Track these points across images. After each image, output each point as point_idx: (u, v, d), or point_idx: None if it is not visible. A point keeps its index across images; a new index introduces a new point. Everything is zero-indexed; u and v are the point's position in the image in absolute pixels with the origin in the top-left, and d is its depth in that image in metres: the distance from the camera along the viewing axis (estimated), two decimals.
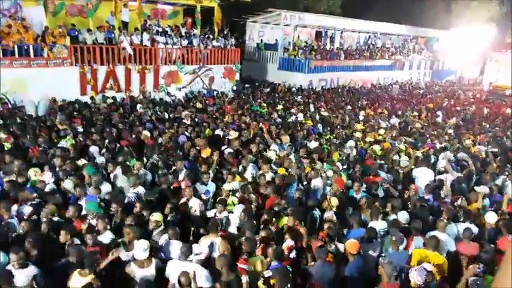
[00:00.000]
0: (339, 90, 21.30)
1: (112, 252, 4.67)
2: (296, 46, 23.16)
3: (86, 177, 6.74)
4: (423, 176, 8.14)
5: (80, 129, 9.62)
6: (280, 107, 14.34)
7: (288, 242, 5.15)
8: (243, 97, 16.43)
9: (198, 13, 17.49)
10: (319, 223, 6.22)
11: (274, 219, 5.96)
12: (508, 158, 10.10)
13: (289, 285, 4.30)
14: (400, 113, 15.46)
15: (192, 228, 5.76)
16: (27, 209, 5.60)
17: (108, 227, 5.31)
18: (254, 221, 5.65)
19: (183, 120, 11.23)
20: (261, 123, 11.25)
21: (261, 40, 24.43)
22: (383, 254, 5.53)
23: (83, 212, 5.72)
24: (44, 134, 8.86)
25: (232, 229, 5.93)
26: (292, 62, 22.11)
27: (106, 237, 5.17)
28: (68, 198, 6.23)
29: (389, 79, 26.82)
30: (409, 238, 5.63)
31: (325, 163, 8.43)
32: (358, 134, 10.89)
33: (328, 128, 11.97)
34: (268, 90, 18.73)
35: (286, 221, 5.78)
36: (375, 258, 5.51)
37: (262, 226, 5.68)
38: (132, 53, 14.61)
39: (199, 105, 13.94)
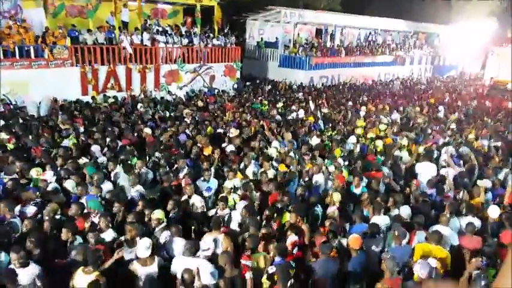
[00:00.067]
0: (340, 87, 21.28)
1: (117, 252, 4.69)
2: (296, 43, 23.14)
3: (87, 177, 6.76)
4: (426, 171, 8.13)
5: (82, 129, 9.64)
6: (280, 104, 14.33)
7: (292, 238, 5.16)
8: (244, 95, 16.43)
9: (198, 12, 17.50)
10: (322, 219, 6.23)
11: (276, 215, 5.97)
12: (511, 151, 10.08)
13: (292, 281, 4.31)
14: (401, 108, 15.43)
15: (193, 227, 5.79)
16: (31, 209, 5.63)
17: (110, 225, 5.34)
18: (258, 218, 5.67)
19: (185, 119, 11.25)
20: (261, 121, 11.26)
21: (261, 38, 24.41)
22: (386, 249, 5.54)
23: (86, 211, 5.73)
24: (46, 134, 8.89)
25: (234, 226, 5.94)
26: (293, 59, 22.08)
27: (108, 235, 5.19)
28: (70, 197, 6.25)
29: (390, 75, 26.76)
30: (411, 233, 5.64)
31: (326, 159, 8.44)
32: (359, 130, 10.88)
33: (330, 125, 11.97)
34: (269, 87, 18.72)
35: (288, 217, 5.79)
36: (378, 253, 5.52)
37: (263, 223, 5.69)
38: (132, 53, 14.62)
39: (200, 103, 13.95)
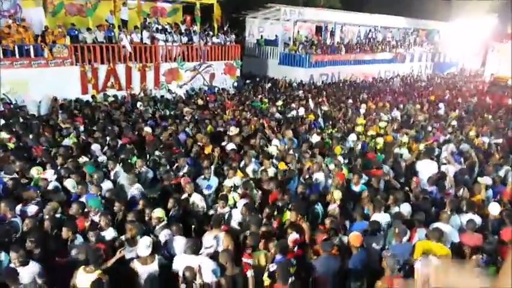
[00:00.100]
0: (340, 85, 21.26)
1: (119, 251, 4.70)
2: (296, 41, 23.10)
3: (86, 175, 6.77)
4: (427, 169, 8.10)
5: (82, 128, 9.64)
6: (280, 102, 14.32)
7: (293, 236, 5.17)
8: (244, 93, 16.42)
9: (197, 10, 17.46)
10: (322, 217, 6.23)
11: (276, 214, 5.98)
12: (511, 148, 10.08)
13: (292, 279, 4.32)
14: (401, 106, 15.42)
15: (193, 226, 5.80)
16: (32, 208, 5.64)
17: (111, 223, 5.35)
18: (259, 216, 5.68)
19: (185, 117, 11.25)
20: (261, 119, 11.26)
21: (261, 36, 24.37)
22: (386, 247, 5.55)
23: (86, 209, 5.74)
24: (47, 133, 8.89)
25: (235, 224, 5.95)
26: (293, 57, 22.05)
27: (109, 234, 5.20)
28: (70, 196, 6.26)
29: (390, 72, 26.72)
30: (412, 230, 5.64)
31: (327, 157, 8.44)
32: (359, 128, 10.87)
33: (330, 122, 11.96)
34: (269, 85, 18.70)
35: (289, 215, 5.79)
36: (378, 250, 5.52)
37: (263, 221, 5.70)
38: (131, 51, 14.61)
39: (200, 101, 13.95)
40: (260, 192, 6.66)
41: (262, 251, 5.01)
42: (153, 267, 4.66)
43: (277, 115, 12.55)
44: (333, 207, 6.31)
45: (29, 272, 4.26)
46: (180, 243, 5.01)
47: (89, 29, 14.38)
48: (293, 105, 13.87)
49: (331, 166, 7.82)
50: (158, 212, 5.49)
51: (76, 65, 13.58)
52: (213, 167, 7.43)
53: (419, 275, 4.41)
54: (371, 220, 5.83)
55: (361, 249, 5.13)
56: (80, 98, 13.29)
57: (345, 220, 6.09)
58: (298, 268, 4.70)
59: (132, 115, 11.50)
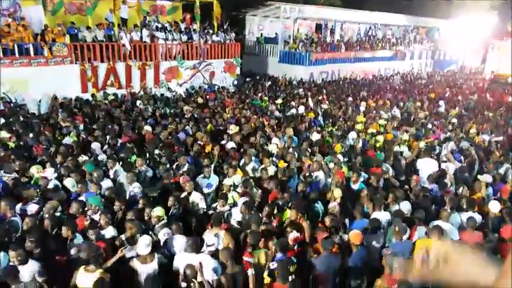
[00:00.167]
0: (340, 82, 21.24)
1: (121, 250, 4.71)
2: (296, 39, 23.06)
3: (86, 174, 6.78)
4: (427, 167, 8.08)
5: (82, 126, 9.64)
6: (279, 100, 14.30)
7: (294, 234, 5.18)
8: (244, 91, 16.40)
9: (197, 8, 17.40)
10: (322, 215, 6.24)
11: (276, 212, 5.98)
12: (511, 146, 10.07)
13: (292, 276, 4.33)
14: (402, 104, 15.41)
15: (193, 224, 5.80)
16: (33, 207, 5.64)
17: (110, 222, 5.35)
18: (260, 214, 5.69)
19: (185, 116, 11.25)
20: (261, 117, 11.27)
21: (261, 34, 24.32)
22: (386, 245, 5.55)
23: (86, 208, 5.75)
24: (48, 132, 8.89)
25: (234, 222, 5.95)
26: (293, 55, 22.01)
27: (108, 232, 5.20)
28: (70, 195, 6.26)
29: (390, 70, 26.69)
30: (412, 228, 5.65)
31: (327, 155, 8.44)
32: (359, 126, 10.87)
33: (330, 120, 11.96)
34: (269, 83, 18.69)
35: (289, 214, 5.79)
36: (379, 248, 5.53)
37: (263, 220, 5.71)
38: (130, 50, 14.58)
39: (200, 100, 13.94)
40: (260, 191, 6.66)
41: (263, 250, 5.01)
42: (153, 266, 4.66)
43: (277, 113, 12.55)
44: (333, 205, 6.31)
45: (28, 270, 4.27)
46: (180, 242, 5.02)
47: (88, 28, 14.35)
48: (293, 103, 13.86)
49: (331, 164, 7.82)
50: (158, 211, 5.49)
51: (76, 63, 13.56)
52: (212, 166, 7.44)
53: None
54: (371, 218, 5.83)
55: (361, 247, 5.14)
56: (79, 97, 13.29)
57: (344, 218, 6.10)
58: (298, 266, 4.71)
59: (132, 114, 11.49)
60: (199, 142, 8.82)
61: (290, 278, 4.31)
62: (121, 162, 7.42)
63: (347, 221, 6.12)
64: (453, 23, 32.53)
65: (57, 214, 5.48)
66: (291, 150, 8.53)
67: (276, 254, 4.80)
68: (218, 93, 15.67)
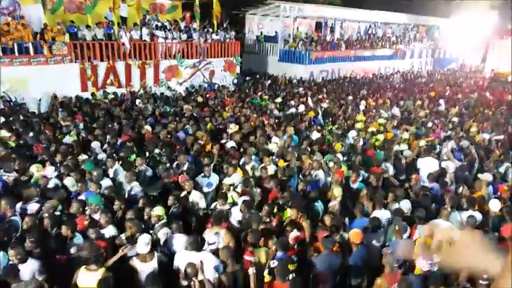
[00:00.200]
0: (340, 81, 21.22)
1: (122, 249, 4.71)
2: (296, 38, 23.04)
3: (86, 173, 6.78)
4: (428, 166, 8.05)
5: (82, 125, 9.64)
6: (279, 99, 14.28)
7: (294, 233, 5.18)
8: (244, 90, 16.39)
9: (196, 7, 17.39)
10: (323, 214, 6.23)
11: (277, 211, 5.98)
12: (511, 145, 10.06)
13: (293, 275, 4.32)
14: (402, 102, 15.40)
15: (193, 223, 5.80)
16: (33, 206, 5.63)
17: (111, 221, 5.35)
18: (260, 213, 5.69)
19: (184, 115, 11.25)
20: (261, 116, 11.26)
21: (261, 32, 24.30)
22: (387, 243, 5.55)
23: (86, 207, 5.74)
24: (48, 131, 8.89)
25: (234, 222, 5.95)
26: (293, 53, 21.99)
27: (108, 231, 5.20)
28: (70, 194, 6.26)
29: (390, 69, 26.68)
30: (412, 227, 5.65)
31: (327, 154, 8.43)
32: (359, 125, 10.86)
33: (330, 119, 11.95)
34: (269, 82, 18.68)
35: (289, 213, 5.79)
36: (379, 247, 5.53)
37: (263, 219, 5.71)
38: (129, 48, 14.56)
39: (200, 99, 13.93)
40: (259, 190, 6.66)
41: (263, 248, 5.02)
42: (152, 264, 4.65)
43: (276, 112, 12.53)
44: (333, 204, 6.31)
45: (28, 269, 4.26)
46: (180, 240, 5.02)
47: (88, 26, 14.32)
48: (292, 102, 13.85)
49: (331, 163, 7.82)
50: (158, 210, 5.48)
51: (75, 62, 13.55)
52: (212, 165, 7.43)
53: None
54: (371, 217, 5.83)
55: (361, 246, 5.13)
56: (79, 96, 13.28)
57: (344, 217, 6.10)
58: (299, 265, 4.71)
59: (132, 112, 11.49)
60: (199, 141, 8.81)
61: (290, 277, 4.31)
62: (120, 162, 7.41)
63: (347, 220, 6.12)
64: (453, 21, 32.51)
65: (57, 213, 5.47)
66: (290, 149, 8.52)
67: (277, 252, 4.80)
68: (218, 92, 15.66)
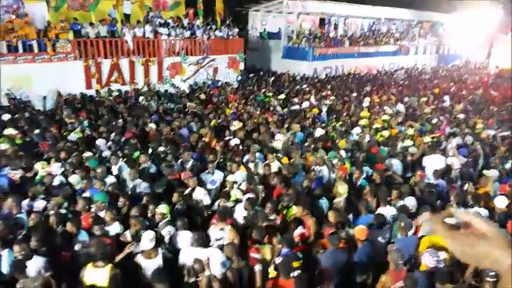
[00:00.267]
0: (344, 78, 21.15)
1: (128, 246, 4.72)
2: (299, 34, 22.96)
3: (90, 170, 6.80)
4: (434, 163, 7.96)
5: (86, 123, 9.66)
6: (282, 96, 14.24)
7: (299, 230, 5.18)
8: (248, 87, 16.36)
9: (199, 3, 17.35)
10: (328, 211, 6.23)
11: (282, 208, 5.97)
12: None
13: (298, 272, 4.32)
14: (406, 99, 15.33)
15: (198, 220, 5.81)
16: (40, 203, 5.66)
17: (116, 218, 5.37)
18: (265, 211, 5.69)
19: (188, 112, 11.26)
20: (265, 113, 11.25)
21: (264, 29, 24.23)
22: (392, 240, 5.54)
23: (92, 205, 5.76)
24: (54, 129, 8.92)
25: (239, 218, 5.95)
26: (296, 50, 21.93)
27: (114, 228, 5.21)
28: (75, 192, 6.28)
29: (394, 65, 26.56)
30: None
31: (331, 151, 8.42)
32: (363, 121, 10.83)
33: (334, 116, 11.92)
34: (272, 79, 18.64)
35: (295, 210, 5.78)
36: (384, 244, 5.52)
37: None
38: (132, 47, 14.56)
39: (203, 96, 13.92)
40: (261, 186, 6.65)
41: (268, 245, 5.02)
42: (157, 261, 4.67)
43: (279, 108, 12.50)
44: (338, 201, 6.30)
45: (34, 266, 4.29)
46: (185, 237, 5.02)
47: (91, 24, 14.34)
48: (295, 99, 13.81)
49: (335, 160, 7.80)
50: (162, 208, 5.49)
51: (79, 59, 13.58)
52: (215, 162, 7.42)
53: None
54: (376, 213, 5.82)
55: (367, 243, 5.13)
56: (84, 93, 13.31)
57: (348, 214, 6.09)
58: (304, 262, 4.71)
59: (136, 110, 11.50)
60: (203, 138, 8.81)
61: (296, 273, 4.30)
62: (125, 159, 7.43)
63: (351, 216, 6.12)
64: (457, 17, 32.28)
65: (63, 211, 5.49)
66: (293, 146, 8.50)
67: (282, 249, 4.81)
68: (222, 89, 15.64)
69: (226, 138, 9.07)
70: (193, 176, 6.64)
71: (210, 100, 13.47)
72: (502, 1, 32.87)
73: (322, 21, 26.03)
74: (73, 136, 8.54)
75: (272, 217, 5.71)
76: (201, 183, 6.76)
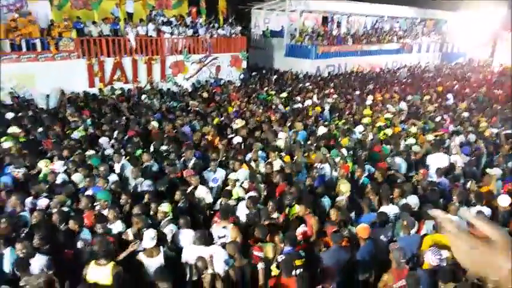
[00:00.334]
0: (347, 76, 21.10)
1: (131, 245, 4.73)
2: (302, 32, 22.91)
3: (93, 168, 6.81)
4: (437, 162, 7.93)
5: (89, 121, 9.69)
6: (284, 94, 14.23)
7: (302, 228, 5.18)
8: (250, 86, 16.36)
9: (202, 2, 17.35)
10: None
11: (284, 206, 5.97)
12: None
13: (301, 270, 4.33)
14: (409, 97, 15.29)
15: (200, 218, 5.82)
16: (43, 201, 5.68)
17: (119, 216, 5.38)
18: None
19: (190, 110, 11.27)
20: (268, 111, 11.24)
21: (267, 27, 24.20)
22: (394, 239, 5.54)
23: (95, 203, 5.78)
24: (57, 127, 8.95)
25: (241, 216, 5.95)
26: (299, 48, 21.89)
27: (116, 226, 5.23)
28: (78, 190, 6.31)
29: (397, 63, 26.47)
30: (420, 222, 5.62)
31: (333, 149, 8.40)
32: (366, 120, 10.80)
33: (337, 114, 11.90)
34: (275, 77, 18.62)
35: (297, 209, 5.78)
36: (386, 242, 5.51)
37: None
38: (134, 46, 14.58)
39: (205, 94, 13.93)
40: (265, 185, 6.65)
41: (270, 244, 5.03)
42: (159, 259, 4.68)
43: (281, 107, 12.49)
44: (341, 199, 6.30)
45: (37, 264, 4.31)
46: (187, 235, 5.03)
47: (94, 22, 14.36)
48: (298, 98, 13.79)
49: (337, 158, 7.79)
50: (165, 207, 5.50)
51: (82, 58, 13.61)
52: (218, 160, 7.43)
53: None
54: (378, 212, 5.81)
55: (369, 241, 5.12)
56: (87, 91, 13.34)
57: (350, 212, 6.08)
58: (307, 260, 4.71)
59: (139, 108, 11.52)
60: (206, 137, 8.82)
61: (298, 272, 4.31)
62: (127, 157, 7.45)
63: (353, 214, 6.11)
64: (461, 15, 32.12)
65: (66, 209, 5.51)
66: (295, 144, 8.50)
67: (285, 247, 4.81)
68: (224, 87, 15.64)
69: (229, 136, 9.07)
70: (196, 174, 6.66)
71: (213, 98, 13.48)
72: None
73: (325, 19, 25.97)
74: (76, 134, 8.57)
75: (274, 215, 5.71)
76: (204, 182, 6.77)
